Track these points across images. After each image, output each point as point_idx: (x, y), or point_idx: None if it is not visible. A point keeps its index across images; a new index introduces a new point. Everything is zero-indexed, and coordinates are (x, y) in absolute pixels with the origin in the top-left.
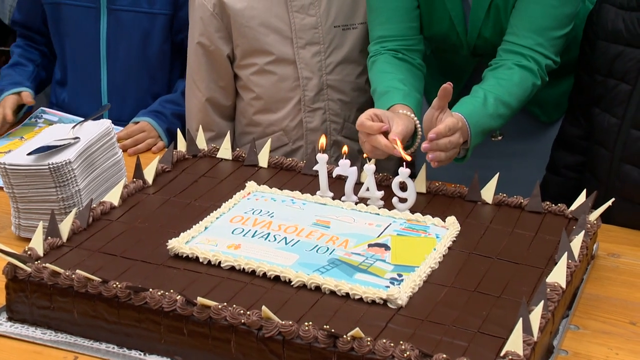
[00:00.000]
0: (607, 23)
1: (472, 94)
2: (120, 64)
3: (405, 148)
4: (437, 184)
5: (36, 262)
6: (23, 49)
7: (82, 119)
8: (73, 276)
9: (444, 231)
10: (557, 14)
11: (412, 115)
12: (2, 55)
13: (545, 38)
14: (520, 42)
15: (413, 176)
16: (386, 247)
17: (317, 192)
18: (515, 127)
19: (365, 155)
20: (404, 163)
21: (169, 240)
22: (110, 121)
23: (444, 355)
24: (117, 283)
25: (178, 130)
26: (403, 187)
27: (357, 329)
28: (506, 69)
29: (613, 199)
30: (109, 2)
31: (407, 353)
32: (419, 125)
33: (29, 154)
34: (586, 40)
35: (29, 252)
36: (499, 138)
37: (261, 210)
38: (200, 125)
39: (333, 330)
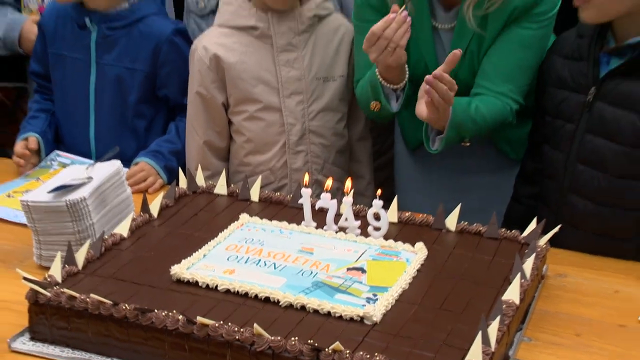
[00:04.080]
0: (555, 71)
1: (458, 97)
2: (105, 112)
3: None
4: (407, 214)
5: (55, 288)
6: (39, 103)
7: (92, 161)
8: (87, 300)
9: (413, 256)
10: (526, 66)
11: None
12: (16, 91)
13: (515, 85)
14: (495, 88)
15: (386, 207)
16: (362, 270)
17: (302, 223)
18: (488, 163)
19: (345, 190)
20: (378, 196)
21: (172, 267)
22: (119, 162)
23: None
24: (127, 305)
25: (180, 169)
26: (377, 217)
27: (338, 343)
28: (488, 97)
29: (560, 226)
30: (98, 57)
31: None
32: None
33: (49, 192)
34: (539, 86)
35: (48, 279)
36: (467, 144)
37: (253, 239)
38: (199, 165)
39: (316, 345)
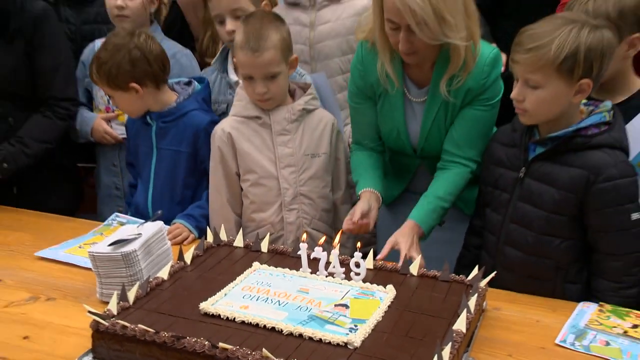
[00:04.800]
0: (496, 154)
1: (425, 202)
2: (160, 183)
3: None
4: (380, 263)
5: (112, 319)
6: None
7: (143, 221)
8: (136, 329)
9: (385, 295)
10: (483, 135)
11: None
12: (85, 170)
13: (477, 150)
14: (463, 154)
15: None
16: (346, 306)
17: (300, 269)
18: (447, 221)
19: (333, 245)
20: (358, 249)
21: (201, 303)
22: (162, 222)
23: None
24: (165, 333)
25: (208, 228)
26: (357, 265)
27: None
28: (453, 174)
29: (495, 272)
30: (157, 143)
31: None
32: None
33: (109, 245)
34: (483, 164)
35: (107, 312)
36: (443, 224)
37: (262, 282)
38: (222, 224)
39: None
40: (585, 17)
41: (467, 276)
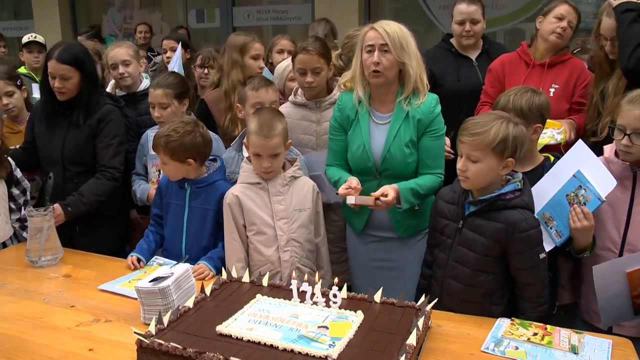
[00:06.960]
0: (441, 209)
1: (406, 183)
2: (192, 234)
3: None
4: (352, 294)
5: (151, 338)
6: (154, 226)
7: (175, 262)
8: (169, 345)
9: (356, 318)
10: (440, 155)
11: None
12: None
13: (440, 167)
14: (431, 171)
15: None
16: (326, 327)
17: (292, 299)
18: (393, 249)
19: (315, 280)
20: (335, 284)
21: (217, 326)
22: (189, 264)
23: None
24: (191, 349)
25: (223, 268)
26: (335, 295)
27: None
28: (429, 176)
29: (437, 299)
30: (190, 202)
31: None
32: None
33: (150, 281)
34: (431, 215)
35: (148, 332)
36: (417, 208)
37: (264, 309)
38: (235, 263)
39: None
40: (508, 115)
41: (417, 302)
